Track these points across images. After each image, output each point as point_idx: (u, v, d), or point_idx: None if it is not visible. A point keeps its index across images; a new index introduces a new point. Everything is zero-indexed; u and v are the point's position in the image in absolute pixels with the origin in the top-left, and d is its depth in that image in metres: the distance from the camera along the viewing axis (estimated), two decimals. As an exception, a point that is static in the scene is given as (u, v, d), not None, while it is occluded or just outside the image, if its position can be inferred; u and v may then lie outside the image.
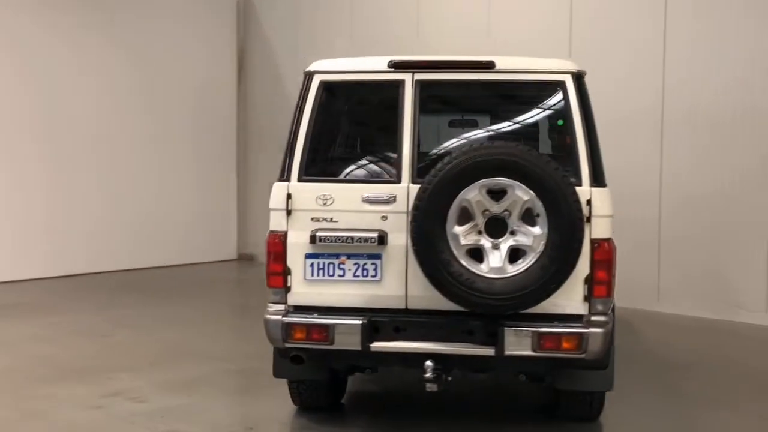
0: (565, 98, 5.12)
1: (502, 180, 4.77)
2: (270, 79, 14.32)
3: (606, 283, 5.00)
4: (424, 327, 5.07)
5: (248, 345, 8.11)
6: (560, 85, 5.14)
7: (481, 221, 4.84)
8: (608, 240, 5.01)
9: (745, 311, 9.37)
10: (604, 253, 4.97)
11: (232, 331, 8.99)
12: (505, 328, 4.89)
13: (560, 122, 5.15)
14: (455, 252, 4.82)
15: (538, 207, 4.77)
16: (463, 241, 4.83)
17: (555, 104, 5.19)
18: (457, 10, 11.76)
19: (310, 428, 5.74)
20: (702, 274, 9.62)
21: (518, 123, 5.38)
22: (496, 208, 4.82)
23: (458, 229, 4.83)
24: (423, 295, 5.08)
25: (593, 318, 5.00)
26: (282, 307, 5.20)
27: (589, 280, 4.98)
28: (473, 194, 4.79)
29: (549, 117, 5.28)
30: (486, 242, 4.85)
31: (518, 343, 4.89)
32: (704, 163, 9.58)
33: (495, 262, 4.82)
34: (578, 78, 5.16)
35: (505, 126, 5.40)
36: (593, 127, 5.10)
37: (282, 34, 14.15)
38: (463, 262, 4.82)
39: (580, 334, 4.88)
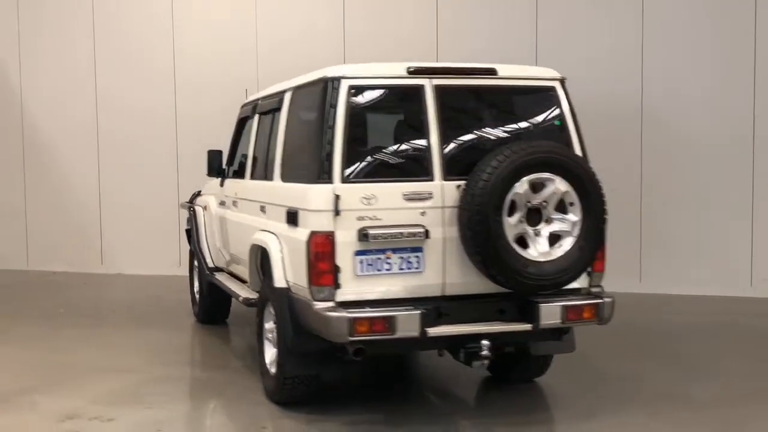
0: (557, 100, 5.92)
1: (546, 174, 5.45)
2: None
3: (602, 260, 5.89)
4: (462, 311, 5.58)
5: (122, 353, 7.87)
6: (552, 90, 5.94)
7: (523, 211, 5.47)
8: None
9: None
10: None
11: (78, 342, 8.43)
12: (540, 304, 5.57)
13: (558, 122, 5.92)
14: (510, 241, 5.40)
15: (573, 197, 5.52)
16: (514, 231, 5.43)
17: (549, 106, 5.94)
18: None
19: (320, 420, 5.91)
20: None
21: (520, 123, 6.03)
22: (535, 199, 5.48)
23: (510, 220, 5.42)
24: (458, 281, 5.61)
25: (592, 290, 5.87)
26: (330, 303, 5.40)
27: None
28: (523, 188, 5.41)
29: (545, 117, 6.00)
30: (529, 230, 5.50)
31: (551, 317, 5.60)
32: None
33: (541, 248, 5.49)
34: (563, 83, 5.98)
35: (511, 126, 6.00)
36: (579, 125, 5.95)
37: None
38: (517, 250, 5.42)
39: (598, 304, 5.72)
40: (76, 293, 11.38)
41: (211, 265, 8.51)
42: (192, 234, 8.82)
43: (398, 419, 5.95)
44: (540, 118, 6.00)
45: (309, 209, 5.50)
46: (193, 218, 8.83)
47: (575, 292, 5.83)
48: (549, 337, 5.92)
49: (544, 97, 5.96)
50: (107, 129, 12.72)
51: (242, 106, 8.06)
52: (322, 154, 5.47)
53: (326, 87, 5.58)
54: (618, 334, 8.45)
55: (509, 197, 5.39)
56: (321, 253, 5.39)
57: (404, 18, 11.43)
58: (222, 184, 8.14)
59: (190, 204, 9.04)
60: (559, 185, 5.48)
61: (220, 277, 8.13)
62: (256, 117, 7.32)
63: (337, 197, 5.39)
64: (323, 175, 5.45)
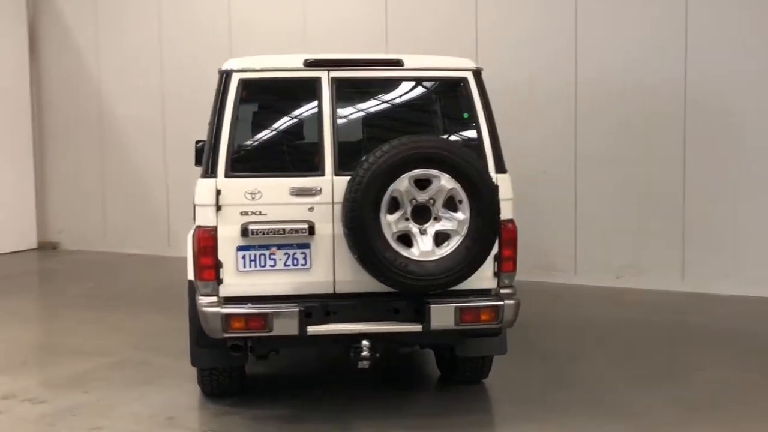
0: (468, 93, 5.65)
1: (429, 171, 5.22)
2: (66, 57, 13.89)
3: (512, 260, 5.60)
4: (352, 309, 5.45)
5: (111, 337, 8.11)
6: (463, 81, 5.67)
7: (408, 209, 5.28)
8: (512, 221, 5.60)
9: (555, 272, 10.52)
10: (509, 232, 5.57)
11: (83, 324, 8.81)
12: (431, 305, 5.36)
13: (465, 115, 5.66)
14: (388, 239, 5.23)
15: (461, 194, 5.27)
16: (394, 229, 5.25)
17: (459, 98, 5.68)
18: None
19: (230, 413, 5.95)
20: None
21: (428, 116, 5.85)
22: (421, 196, 5.27)
23: (390, 218, 5.24)
24: (350, 279, 5.47)
25: (502, 291, 5.59)
26: (214, 299, 5.39)
27: (498, 258, 5.55)
28: (403, 184, 5.21)
29: (454, 110, 5.77)
30: (414, 228, 5.30)
31: (442, 318, 5.38)
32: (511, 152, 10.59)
33: (424, 246, 5.28)
34: (477, 74, 5.70)
35: (415, 119, 5.84)
36: (493, 119, 5.66)
37: (78, 18, 13.75)
38: (396, 248, 5.24)
39: (497, 306, 5.45)
40: (125, 275, 11.84)
41: None
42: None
43: (303, 415, 5.91)
44: (448, 112, 5.76)
45: (197, 203, 5.51)
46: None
47: (484, 292, 5.58)
48: (446, 339, 5.71)
49: (455, 89, 5.71)
50: (173, 116, 13.12)
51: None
52: (210, 148, 5.48)
53: (220, 80, 5.57)
54: (615, 336, 8.08)
55: (389, 194, 5.21)
56: (203, 248, 5.40)
57: (442, 13, 11.16)
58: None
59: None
60: (444, 182, 5.25)
61: None
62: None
63: (218, 192, 5.37)
64: (210, 170, 5.45)
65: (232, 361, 5.87)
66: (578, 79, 10.39)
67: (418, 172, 5.22)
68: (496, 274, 5.58)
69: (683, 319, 8.78)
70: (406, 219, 5.30)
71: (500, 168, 5.60)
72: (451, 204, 5.32)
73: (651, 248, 10.23)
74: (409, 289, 5.31)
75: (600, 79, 10.26)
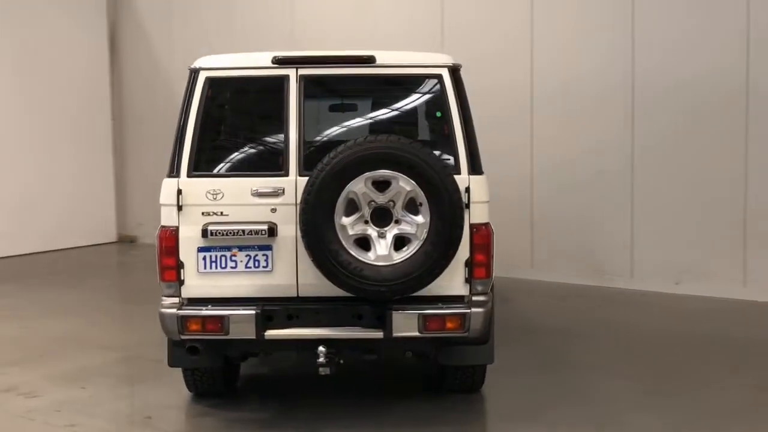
0: (443, 91, 5.39)
1: (385, 172, 5.01)
2: (144, 61, 14.25)
3: (485, 265, 5.32)
4: (315, 313, 5.29)
5: (138, 333, 8.18)
6: (437, 78, 5.42)
7: (367, 212, 5.08)
8: (486, 224, 5.33)
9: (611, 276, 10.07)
10: (482, 237, 5.30)
11: (121, 318, 9.00)
12: (393, 311, 5.15)
13: (438, 114, 5.42)
14: (343, 242, 5.05)
15: (421, 197, 5.04)
16: (350, 232, 5.07)
17: (433, 96, 5.45)
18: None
19: (207, 414, 5.91)
20: (571, 245, 10.24)
21: (399, 115, 5.64)
22: (381, 198, 5.07)
23: (346, 220, 5.06)
24: (313, 282, 5.30)
25: (474, 298, 5.31)
26: (176, 300, 5.34)
27: (469, 263, 5.29)
28: (359, 186, 5.02)
29: (428, 109, 5.54)
30: (372, 231, 5.10)
31: (405, 325, 5.17)
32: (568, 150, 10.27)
33: (381, 250, 5.08)
34: (454, 71, 5.44)
35: (386, 118, 5.65)
36: (470, 118, 5.40)
37: (155, 16, 14.05)
38: (351, 252, 5.05)
39: (463, 314, 5.19)
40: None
41: None
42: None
43: (279, 420, 5.80)
44: (422, 110, 5.53)
45: (160, 203, 5.47)
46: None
47: (454, 299, 5.33)
48: (414, 346, 5.48)
49: (429, 86, 5.48)
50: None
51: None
52: (174, 146, 5.43)
53: (188, 78, 5.52)
54: (652, 348, 7.59)
55: (344, 196, 5.03)
56: (166, 248, 5.35)
57: (500, 15, 10.82)
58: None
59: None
60: (402, 184, 5.03)
61: None
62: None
63: (179, 191, 5.31)
64: (173, 169, 5.40)
65: (197, 362, 5.76)
66: (635, 73, 9.89)
67: (374, 173, 5.02)
68: (468, 281, 5.32)
69: (732, 331, 8.17)
70: (365, 222, 5.10)
71: (475, 169, 5.33)
72: (412, 207, 5.09)
73: (712, 252, 9.62)
74: (364, 294, 5.12)
75: (657, 72, 9.73)
